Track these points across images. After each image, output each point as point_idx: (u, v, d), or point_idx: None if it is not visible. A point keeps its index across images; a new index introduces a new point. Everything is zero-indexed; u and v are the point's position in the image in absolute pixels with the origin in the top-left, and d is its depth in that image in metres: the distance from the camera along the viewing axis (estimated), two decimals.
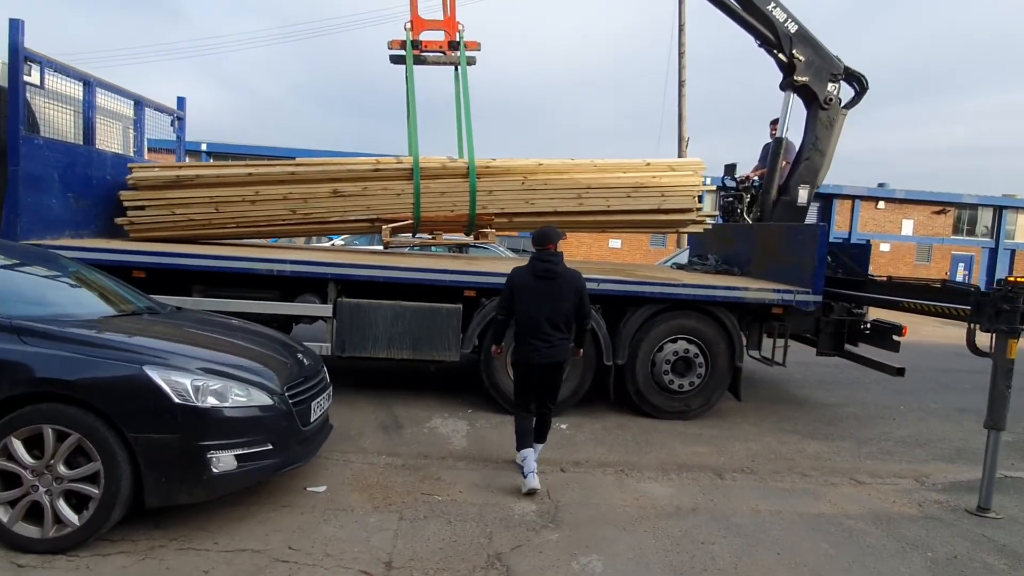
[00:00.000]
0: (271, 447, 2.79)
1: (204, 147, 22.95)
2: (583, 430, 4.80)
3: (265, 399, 2.80)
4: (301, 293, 4.91)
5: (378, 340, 4.83)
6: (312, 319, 5.08)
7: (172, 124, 7.21)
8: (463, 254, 7.10)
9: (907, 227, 26.42)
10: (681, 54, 16.19)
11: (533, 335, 3.51)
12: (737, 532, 3.11)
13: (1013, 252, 27.23)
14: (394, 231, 5.71)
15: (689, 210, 5.90)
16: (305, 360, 3.37)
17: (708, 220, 6.21)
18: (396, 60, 5.97)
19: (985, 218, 27.77)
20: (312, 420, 3.14)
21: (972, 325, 3.56)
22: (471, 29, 5.99)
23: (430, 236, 6.00)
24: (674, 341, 5.08)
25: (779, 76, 6.36)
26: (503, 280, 5.09)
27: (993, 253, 27.36)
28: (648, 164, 5.98)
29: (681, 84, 16.25)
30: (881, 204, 26.03)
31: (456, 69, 5.99)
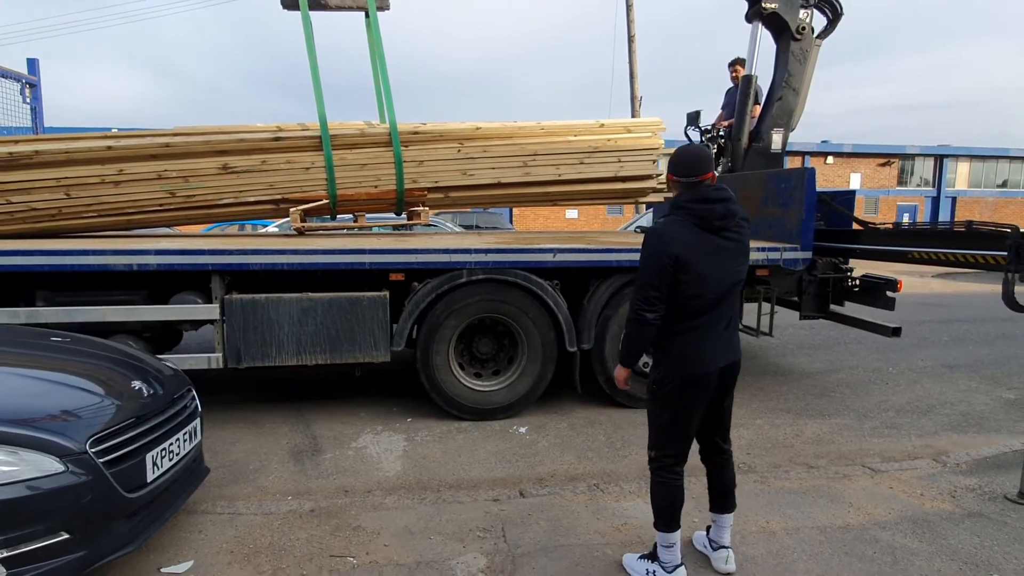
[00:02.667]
0: (67, 536, 1.82)
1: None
2: (547, 432, 3.98)
3: (49, 465, 1.81)
4: (177, 292, 3.84)
5: (284, 344, 3.82)
6: (196, 324, 4.01)
7: (22, 93, 5.85)
8: (397, 232, 6.08)
9: (855, 180, 26.74)
10: (629, 7, 15.30)
11: (707, 330, 2.14)
12: (752, 572, 2.36)
13: (954, 199, 28.09)
14: (306, 214, 4.67)
15: (649, 176, 5.21)
16: (149, 388, 2.37)
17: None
18: (288, 5, 4.83)
19: (927, 169, 28.46)
20: (152, 478, 2.16)
21: (1010, 274, 2.87)
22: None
23: (353, 219, 4.98)
24: None
25: (743, 8, 5.55)
26: (437, 259, 4.05)
27: (935, 201, 28.14)
28: (602, 125, 5.21)
29: (631, 39, 15.37)
30: (830, 159, 26.19)
31: (366, 15, 4.94)
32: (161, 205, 4.49)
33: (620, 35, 15.53)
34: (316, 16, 4.85)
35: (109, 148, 4.38)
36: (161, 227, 5.42)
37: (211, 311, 3.76)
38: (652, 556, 2.34)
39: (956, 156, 28.29)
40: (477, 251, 3.97)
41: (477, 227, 11.53)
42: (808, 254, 4.27)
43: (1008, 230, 2.91)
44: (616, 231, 5.52)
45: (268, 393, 4.78)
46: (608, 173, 5.10)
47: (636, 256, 4.14)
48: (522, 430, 4.01)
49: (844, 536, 2.66)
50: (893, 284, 4.38)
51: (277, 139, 4.59)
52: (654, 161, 5.17)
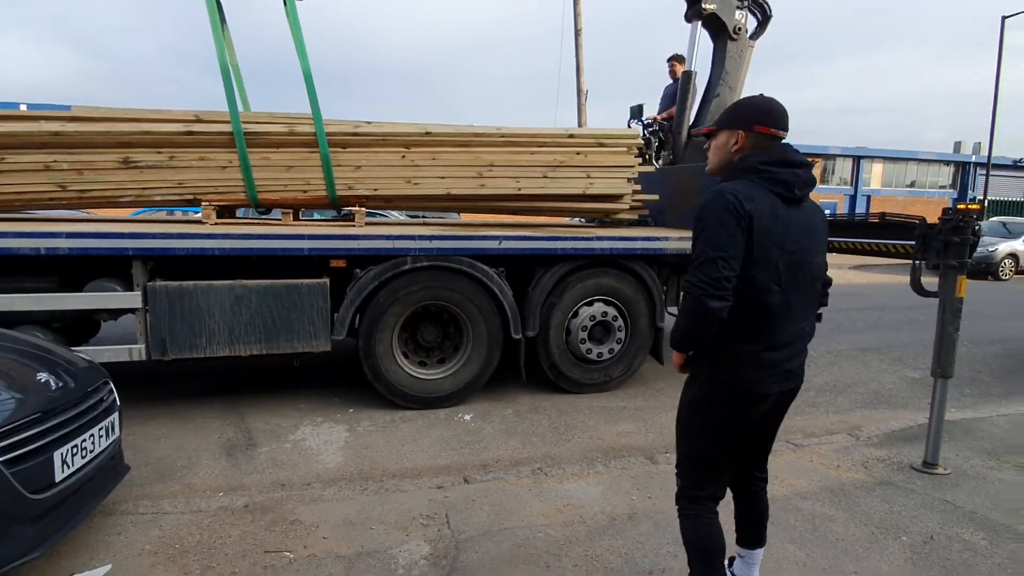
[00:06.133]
0: None
1: (23, 108, 18.82)
2: (491, 419, 3.99)
3: None
4: (93, 278, 3.55)
5: (215, 334, 3.62)
6: (115, 313, 3.73)
7: None
8: (337, 218, 5.86)
9: None
10: (576, 1, 15.42)
11: (778, 337, 1.62)
12: None
13: (869, 197, 30.26)
14: (221, 211, 4.17)
15: (620, 196, 4.62)
16: (58, 381, 2.17)
17: (645, 206, 5.02)
18: None
19: (846, 168, 30.50)
20: (61, 478, 1.99)
21: (917, 262, 3.12)
22: None
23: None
24: (590, 304, 4.37)
25: (683, 7, 5.71)
26: (380, 245, 3.92)
27: (853, 199, 30.22)
28: (571, 136, 4.53)
29: (577, 33, 15.48)
30: None
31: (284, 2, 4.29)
32: (50, 199, 3.94)
33: (568, 29, 15.62)
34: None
35: None
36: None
37: (132, 299, 3.50)
38: None
39: (872, 157, 30.47)
40: (422, 238, 3.90)
41: (423, 216, 11.33)
42: None
43: (916, 221, 3.16)
44: (566, 220, 5.43)
45: (198, 386, 4.53)
46: (575, 190, 4.50)
47: (581, 244, 4.22)
48: (467, 417, 4.00)
49: (770, 507, 2.82)
50: None
51: (190, 133, 3.94)
52: (629, 180, 4.62)
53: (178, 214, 7.36)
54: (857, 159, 29.97)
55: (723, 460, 1.80)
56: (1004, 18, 16.90)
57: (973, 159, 28.96)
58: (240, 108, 4.24)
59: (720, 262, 1.51)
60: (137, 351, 3.52)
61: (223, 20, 4.26)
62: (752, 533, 2.02)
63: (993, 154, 18.91)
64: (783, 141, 1.66)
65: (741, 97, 5.78)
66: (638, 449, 3.57)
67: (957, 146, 32.39)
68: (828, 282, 1.83)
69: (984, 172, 18.44)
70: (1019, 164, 29.62)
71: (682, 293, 1.74)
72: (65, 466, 2.01)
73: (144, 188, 3.91)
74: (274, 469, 3.20)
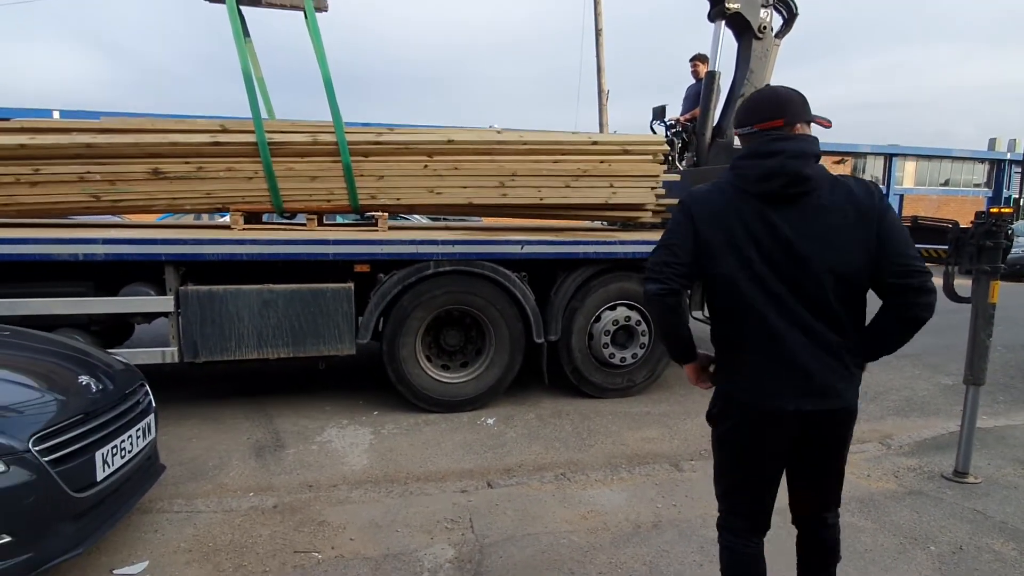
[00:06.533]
0: (10, 539, 1.72)
1: (56, 115, 19.46)
2: (514, 424, 4.00)
3: None
4: (128, 282, 3.67)
5: (244, 337, 3.71)
6: (148, 316, 3.85)
7: None
8: (362, 223, 5.93)
9: None
10: (596, 1, 15.37)
11: (768, 347, 1.50)
12: (713, 554, 2.38)
13: (901, 196, 29.46)
14: (248, 216, 4.19)
15: (643, 206, 4.53)
16: (98, 384, 2.26)
17: (668, 209, 4.83)
18: None
19: (877, 166, 29.74)
20: (102, 477, 2.07)
21: (951, 267, 3.04)
22: None
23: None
24: (612, 308, 4.36)
25: (706, 7, 5.65)
26: (404, 250, 3.95)
27: None
28: (594, 143, 4.41)
29: (598, 33, 15.43)
30: None
31: (305, 16, 4.33)
32: (85, 208, 4.04)
33: (588, 29, 15.57)
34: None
35: (22, 146, 3.80)
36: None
37: (165, 303, 3.61)
38: None
39: (904, 155, 29.65)
40: (444, 243, 3.94)
41: (446, 218, 11.40)
42: None
43: (949, 225, 3.08)
44: (589, 224, 5.39)
45: (228, 388, 4.64)
46: (598, 200, 4.41)
47: (604, 248, 4.22)
48: (490, 421, 4.02)
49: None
50: None
51: (216, 143, 3.96)
52: (652, 189, 4.52)
53: (204, 218, 7.55)
54: (889, 157, 29.20)
55: (747, 487, 1.63)
56: None
57: (1008, 156, 27.98)
58: (264, 116, 4.34)
59: (663, 250, 1.55)
60: (170, 353, 3.63)
61: (246, 31, 4.37)
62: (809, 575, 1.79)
63: None
64: (770, 132, 1.49)
65: None
66: (663, 456, 3.54)
67: (992, 143, 31.35)
68: (899, 287, 1.46)
69: (1020, 170, 17.80)
70: None
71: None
72: (106, 466, 2.09)
73: (174, 198, 4.00)
74: (301, 470, 3.26)
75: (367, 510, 2.78)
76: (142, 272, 3.66)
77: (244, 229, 4.12)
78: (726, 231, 1.48)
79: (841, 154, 28.15)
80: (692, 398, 4.56)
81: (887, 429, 4.08)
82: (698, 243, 1.50)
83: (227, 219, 4.27)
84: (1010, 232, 2.92)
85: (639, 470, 3.26)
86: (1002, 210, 2.91)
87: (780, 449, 1.57)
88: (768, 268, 1.46)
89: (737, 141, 5.67)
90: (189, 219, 6.62)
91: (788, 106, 1.49)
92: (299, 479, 3.16)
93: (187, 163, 3.98)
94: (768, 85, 1.60)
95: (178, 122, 4.13)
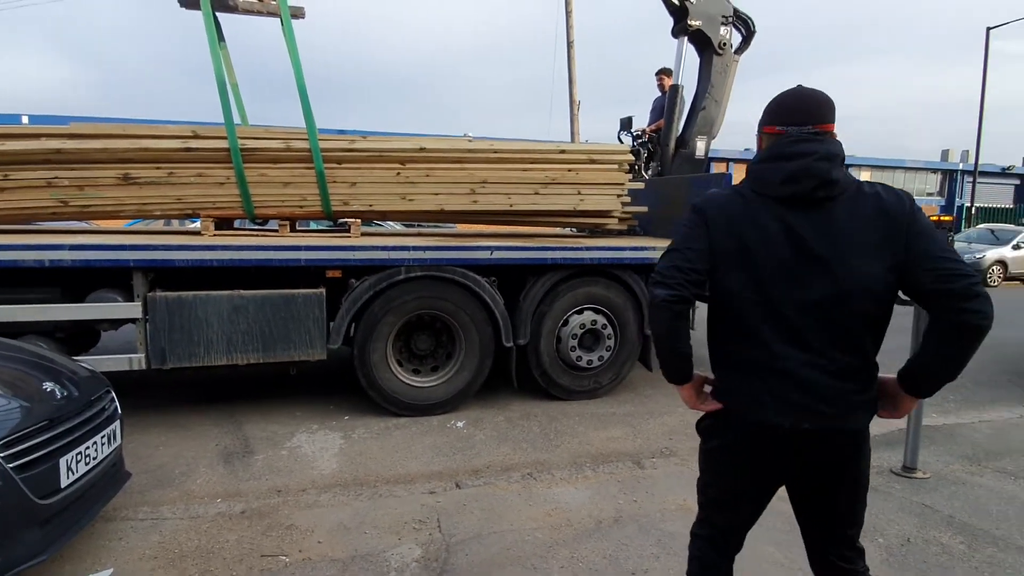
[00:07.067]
0: None
1: (25, 120, 18.85)
2: (484, 426, 4.08)
3: None
4: (95, 288, 3.64)
5: (213, 343, 3.71)
6: (115, 323, 3.81)
7: None
8: (334, 229, 5.96)
9: None
10: (568, 13, 15.62)
11: (765, 358, 1.41)
12: (671, 547, 2.55)
13: None
14: (219, 222, 4.27)
15: (610, 212, 4.77)
16: (62, 390, 2.26)
17: (634, 216, 5.17)
18: (188, 4, 4.35)
19: None
20: (67, 484, 2.08)
21: None
22: None
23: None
24: (580, 312, 4.48)
25: (670, 23, 5.86)
26: (375, 256, 3.97)
27: None
28: (562, 152, 4.64)
29: (570, 45, 15.70)
30: None
31: (282, 22, 4.33)
32: (54, 214, 4.02)
33: (562, 39, 15.82)
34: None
35: None
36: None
37: (133, 310, 3.59)
38: None
39: (860, 166, 30.75)
40: (416, 248, 4.01)
41: (419, 225, 11.43)
42: None
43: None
44: (557, 229, 5.51)
45: (196, 395, 4.60)
46: (566, 207, 4.63)
47: (572, 253, 4.33)
48: (459, 424, 4.09)
49: None
50: None
51: (188, 149, 4.01)
52: (619, 196, 4.76)
53: (175, 223, 7.44)
54: (845, 168, 30.24)
55: (729, 504, 1.59)
56: (988, 29, 17.22)
57: (961, 167, 29.25)
58: (238, 121, 4.35)
59: (676, 254, 1.44)
60: (137, 360, 3.60)
61: (221, 37, 4.37)
62: None
63: (980, 161, 19.16)
64: (792, 132, 1.42)
65: (726, 110, 5.95)
66: (626, 454, 3.66)
67: (945, 154, 32.74)
68: (943, 292, 1.30)
69: (972, 180, 18.69)
70: (1006, 171, 29.96)
71: None
72: (70, 472, 2.10)
73: (144, 203, 3.99)
74: (270, 475, 3.28)
75: (336, 513, 2.82)
76: (110, 278, 3.63)
77: (215, 235, 4.13)
78: (741, 238, 1.39)
79: None
80: (655, 398, 4.70)
81: None
82: (713, 251, 1.41)
83: (198, 225, 4.26)
84: (950, 240, 3.12)
85: (603, 468, 3.37)
86: (942, 218, 3.12)
87: (772, 469, 1.49)
88: (783, 279, 1.37)
89: (700, 149, 5.92)
90: (159, 225, 6.54)
91: (820, 108, 1.42)
92: (268, 484, 3.17)
93: (158, 168, 3.99)
94: (800, 86, 1.49)
95: (149, 127, 4.13)
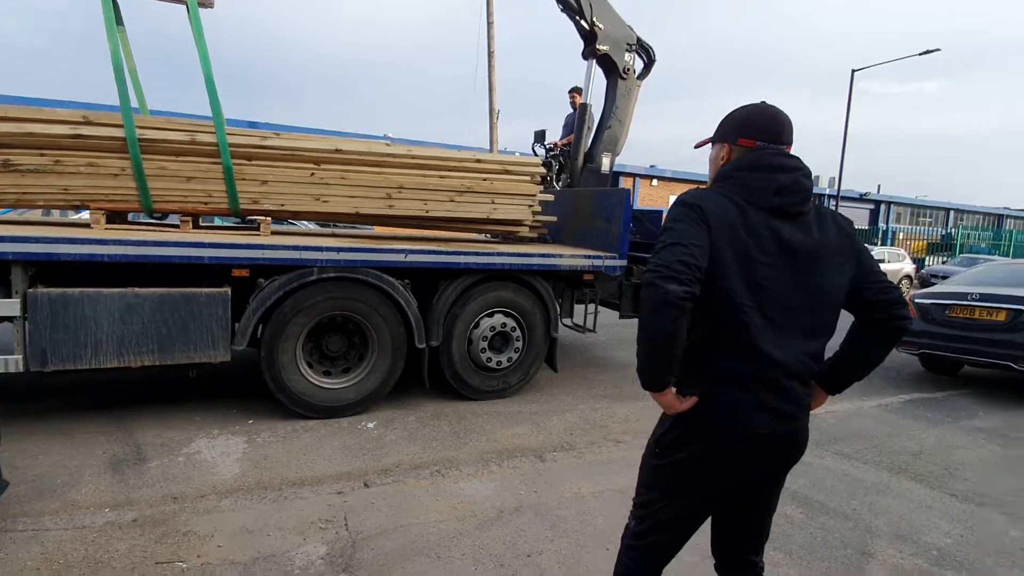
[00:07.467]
0: None
1: None
2: (395, 426, 4.16)
3: None
4: None
5: (102, 344, 3.50)
6: None
7: None
8: (242, 226, 5.72)
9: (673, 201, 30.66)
10: (490, 24, 15.85)
11: (750, 368, 1.41)
12: (564, 531, 2.80)
13: None
14: (111, 215, 4.01)
15: (521, 222, 4.97)
16: None
17: (544, 226, 5.41)
18: None
19: None
20: None
21: None
22: None
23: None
24: (490, 315, 4.68)
25: (581, 45, 6.25)
26: (286, 255, 3.92)
27: None
28: (478, 161, 4.76)
29: (490, 55, 15.91)
30: (655, 182, 29.70)
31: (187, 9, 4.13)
32: None
33: (484, 47, 16.02)
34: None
35: None
36: None
37: (10, 307, 3.30)
38: None
39: None
40: (329, 249, 4.01)
41: (335, 226, 11.11)
42: (624, 262, 4.99)
43: None
44: (471, 235, 5.66)
45: (81, 400, 4.28)
46: (480, 214, 4.76)
47: (484, 258, 4.52)
48: (370, 425, 4.14)
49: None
50: None
51: (77, 136, 3.74)
52: (530, 207, 4.95)
53: (55, 214, 6.77)
54: None
55: (673, 523, 1.56)
56: (853, 71, 19.79)
57: (827, 191, 33.01)
58: (136, 109, 4.11)
59: (679, 248, 1.32)
60: (13, 362, 3.32)
61: (119, 20, 4.12)
62: None
63: (842, 187, 21.91)
64: (770, 146, 1.46)
65: (629, 130, 6.44)
66: (530, 449, 3.90)
67: (815, 180, 36.90)
68: (885, 302, 1.50)
69: (835, 203, 21.33)
70: (863, 197, 34.35)
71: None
72: None
73: (24, 192, 3.66)
74: (165, 483, 3.16)
75: (237, 517, 2.80)
76: None
77: (107, 228, 3.89)
78: (739, 243, 1.37)
79: (698, 182, 31.40)
80: (560, 397, 5.01)
81: None
82: (712, 251, 1.36)
83: (85, 216, 3.97)
84: None
85: (507, 463, 3.59)
86: None
87: (738, 481, 1.49)
88: (777, 287, 1.39)
89: (606, 165, 6.36)
90: (36, 215, 5.94)
91: (790, 128, 1.49)
92: (162, 492, 3.06)
93: (42, 155, 3.69)
94: (758, 103, 1.52)
95: (35, 110, 3.79)
